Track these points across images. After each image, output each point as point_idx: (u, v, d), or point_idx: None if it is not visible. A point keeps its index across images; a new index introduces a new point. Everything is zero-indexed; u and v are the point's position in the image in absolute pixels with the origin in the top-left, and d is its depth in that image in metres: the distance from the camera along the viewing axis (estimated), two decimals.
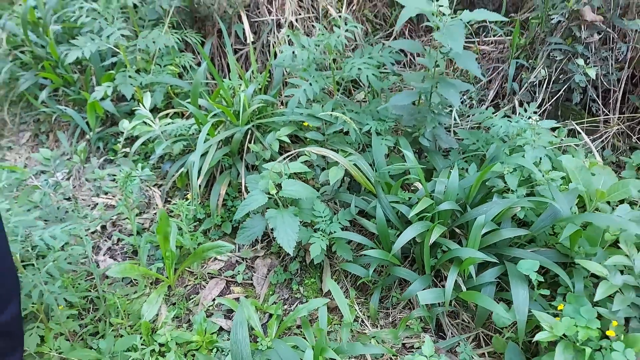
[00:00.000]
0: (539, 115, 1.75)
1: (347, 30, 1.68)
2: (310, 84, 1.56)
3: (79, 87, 2.20)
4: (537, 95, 1.74)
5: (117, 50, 2.01)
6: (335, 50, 1.66)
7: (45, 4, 2.47)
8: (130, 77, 1.97)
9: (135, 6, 2.06)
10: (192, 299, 1.61)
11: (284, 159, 1.52)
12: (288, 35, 1.91)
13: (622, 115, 1.77)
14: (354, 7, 2.36)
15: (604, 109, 1.74)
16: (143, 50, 2.07)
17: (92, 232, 1.83)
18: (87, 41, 1.89)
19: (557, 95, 1.74)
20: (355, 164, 1.49)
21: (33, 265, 1.35)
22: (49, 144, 2.26)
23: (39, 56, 2.30)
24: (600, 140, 1.74)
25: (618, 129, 1.75)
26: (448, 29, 1.27)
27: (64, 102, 2.28)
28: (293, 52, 1.64)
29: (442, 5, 1.24)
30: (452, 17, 1.29)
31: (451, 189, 1.36)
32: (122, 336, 1.41)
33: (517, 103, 1.78)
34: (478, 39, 2.11)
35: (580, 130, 1.61)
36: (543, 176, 1.34)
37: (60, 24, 2.34)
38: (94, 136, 2.12)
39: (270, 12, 2.17)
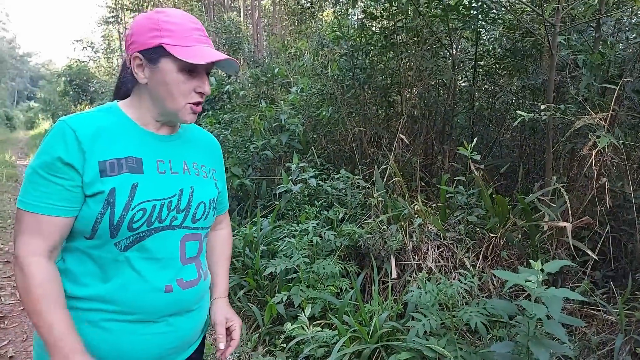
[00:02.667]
0: None
1: (465, 283, 2.11)
2: (429, 320, 1.97)
3: (265, 292, 2.99)
4: None
5: (298, 269, 2.77)
6: (454, 297, 2.08)
7: (261, 229, 3.56)
8: (301, 290, 2.66)
9: (317, 242, 2.89)
10: None
11: None
12: (422, 279, 2.42)
13: None
14: (488, 262, 2.80)
15: None
16: (315, 272, 2.79)
17: None
18: (280, 261, 2.72)
19: None
20: None
21: None
22: None
23: (246, 265, 3.24)
24: None
25: None
26: (540, 298, 1.61)
27: (252, 301, 3.07)
28: (420, 293, 2.11)
29: (529, 281, 1.62)
30: (542, 289, 1.64)
31: None
32: None
33: None
34: (605, 309, 2.26)
35: None
36: None
37: (267, 245, 3.32)
38: (264, 330, 2.77)
39: (414, 258, 2.75)
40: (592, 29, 3.28)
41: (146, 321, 1.01)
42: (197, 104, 1.04)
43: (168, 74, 0.99)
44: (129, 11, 15.86)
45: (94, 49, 20.41)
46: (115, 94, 1.14)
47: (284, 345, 2.49)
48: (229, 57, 1.02)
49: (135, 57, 1.01)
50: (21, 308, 3.40)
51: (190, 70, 1.00)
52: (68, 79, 16.79)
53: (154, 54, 0.99)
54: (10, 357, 2.73)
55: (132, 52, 1.01)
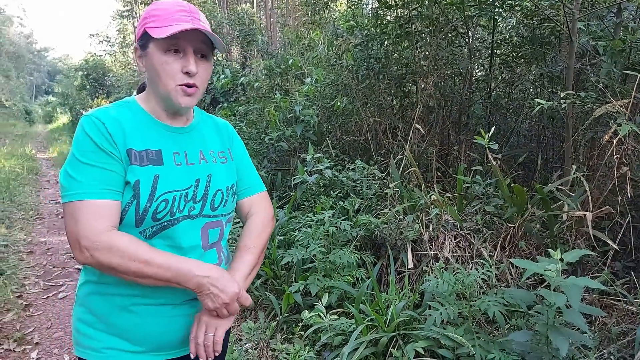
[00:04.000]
0: None
1: (483, 273, 2.10)
2: (446, 309, 1.97)
3: (282, 281, 3.02)
4: None
5: (314, 259, 2.79)
6: (472, 286, 2.08)
7: (277, 220, 3.58)
8: (318, 279, 2.68)
9: (333, 232, 2.90)
10: None
11: None
12: (438, 268, 2.41)
13: None
14: (506, 252, 2.78)
15: None
16: (331, 262, 2.81)
17: None
18: (297, 251, 2.74)
19: None
20: None
21: None
22: (251, 318, 3.04)
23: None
24: None
25: None
26: (560, 287, 1.60)
27: (270, 290, 3.10)
28: (437, 283, 2.12)
29: (549, 269, 1.61)
30: (562, 278, 1.63)
31: None
32: None
33: None
34: (625, 299, 2.23)
35: None
36: None
37: (283, 235, 3.35)
38: (282, 318, 2.80)
39: (430, 248, 2.75)
40: (612, 14, 3.20)
41: (171, 304, 1.06)
42: (188, 85, 1.03)
43: (155, 57, 1.02)
44: (143, 4, 15.96)
45: (110, 43, 20.62)
46: (139, 88, 1.17)
47: (302, 333, 2.53)
48: (196, 27, 0.99)
49: (135, 48, 1.08)
50: (45, 297, 3.51)
51: (176, 50, 1.01)
52: (85, 73, 17.00)
53: (143, 40, 1.04)
54: (36, 343, 2.82)
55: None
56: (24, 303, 3.35)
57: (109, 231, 0.95)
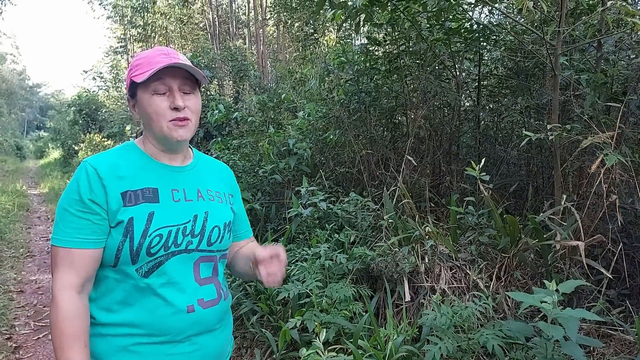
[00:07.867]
0: None
1: (480, 305, 2.11)
2: (445, 343, 1.96)
3: (278, 317, 2.98)
4: None
5: (311, 293, 2.78)
6: (469, 319, 2.07)
7: None
8: (315, 315, 2.65)
9: (329, 266, 2.90)
10: None
11: None
12: (436, 301, 2.41)
13: None
14: (502, 283, 2.79)
15: None
16: (328, 296, 2.79)
17: None
18: (293, 286, 2.72)
19: None
20: None
21: None
22: (247, 356, 2.98)
23: (259, 290, 3.24)
24: None
25: None
26: (556, 319, 1.62)
27: (266, 326, 3.06)
28: (435, 316, 2.11)
29: (545, 302, 1.63)
30: (559, 310, 1.64)
31: None
32: None
33: None
34: (622, 328, 2.23)
35: None
36: None
37: None
38: (279, 356, 2.75)
39: (427, 280, 2.75)
40: (593, 48, 3.34)
41: (172, 342, 1.07)
42: (179, 119, 1.08)
43: (144, 102, 1.08)
44: (136, 42, 16.24)
45: (103, 79, 20.80)
46: (140, 132, 1.23)
47: None
48: (173, 62, 1.05)
49: (127, 99, 1.15)
50: (35, 338, 3.42)
51: (162, 92, 1.08)
52: (78, 109, 17.07)
53: (132, 89, 1.11)
54: None
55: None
56: (14, 345, 3.27)
57: (69, 289, 1.01)
